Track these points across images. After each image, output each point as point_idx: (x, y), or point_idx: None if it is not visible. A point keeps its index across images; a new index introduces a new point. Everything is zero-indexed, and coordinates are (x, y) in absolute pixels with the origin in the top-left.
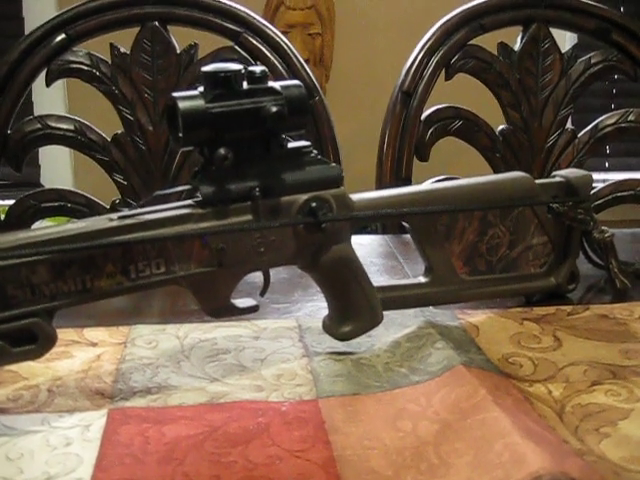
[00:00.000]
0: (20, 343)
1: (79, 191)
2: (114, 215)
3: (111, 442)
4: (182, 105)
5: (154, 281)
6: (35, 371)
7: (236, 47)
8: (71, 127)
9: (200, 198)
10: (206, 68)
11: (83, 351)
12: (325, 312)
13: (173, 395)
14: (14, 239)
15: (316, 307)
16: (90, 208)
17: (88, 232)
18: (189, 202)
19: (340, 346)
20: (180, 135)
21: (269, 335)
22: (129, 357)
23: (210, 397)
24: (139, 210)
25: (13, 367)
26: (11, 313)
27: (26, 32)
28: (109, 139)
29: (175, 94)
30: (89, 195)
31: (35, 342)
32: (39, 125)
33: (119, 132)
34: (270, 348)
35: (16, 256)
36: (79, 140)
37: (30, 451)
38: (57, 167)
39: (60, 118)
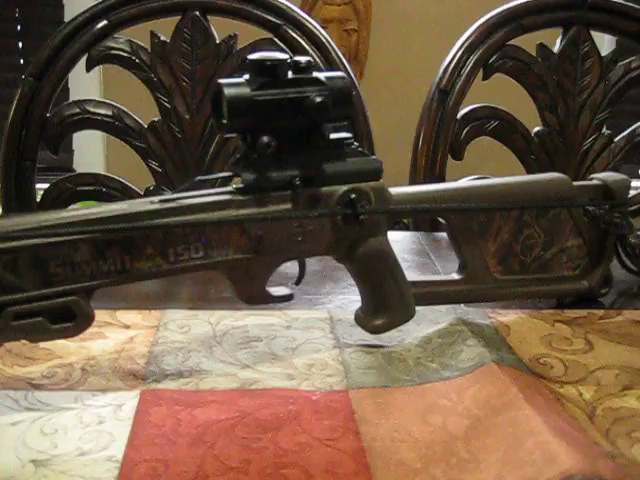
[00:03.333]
0: (58, 320)
1: (114, 176)
2: (156, 198)
3: (143, 422)
4: (228, 92)
5: (192, 265)
6: (69, 350)
7: (275, 39)
8: (109, 112)
9: (240, 185)
10: (252, 56)
11: (116, 332)
12: (356, 305)
13: (205, 379)
14: (58, 217)
15: (347, 300)
16: (124, 193)
17: (130, 213)
18: (230, 188)
19: (371, 339)
20: (224, 121)
21: (301, 325)
22: (161, 340)
23: (241, 383)
24: (180, 194)
25: (48, 345)
26: (52, 290)
27: (66, 18)
28: (145, 126)
29: (221, 80)
30: (124, 180)
31: (73, 320)
32: (78, 110)
33: (156, 119)
34: (301, 338)
35: (60, 234)
36: (116, 126)
37: (64, 427)
38: (90, 152)
39: (99, 103)
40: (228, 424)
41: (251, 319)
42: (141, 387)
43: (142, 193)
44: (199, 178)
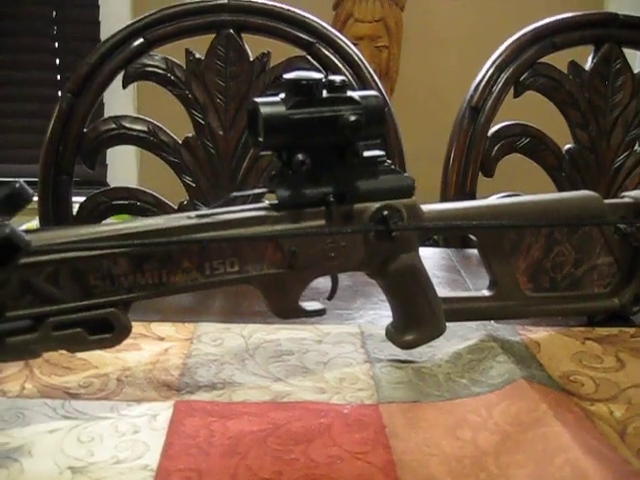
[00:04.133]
0: (96, 332)
1: (148, 190)
2: (192, 213)
3: (177, 432)
4: (264, 110)
5: (227, 279)
6: (105, 360)
7: (308, 57)
8: (144, 128)
9: (275, 201)
10: (288, 75)
11: (151, 344)
12: (386, 321)
13: (237, 391)
14: (97, 231)
15: (378, 315)
16: (158, 207)
17: (167, 228)
18: (265, 204)
19: (402, 354)
20: (260, 139)
21: (332, 340)
22: (195, 353)
23: (274, 396)
24: (216, 210)
25: (84, 355)
26: (91, 302)
27: (102, 36)
28: (180, 141)
29: (257, 99)
30: (158, 194)
31: (111, 332)
32: (114, 125)
33: (190, 135)
34: (333, 352)
35: (100, 247)
36: (151, 141)
37: (100, 435)
38: (123, 167)
39: (134, 119)
40: (260, 436)
41: (283, 333)
42: (175, 398)
43: (176, 207)
44: (234, 194)
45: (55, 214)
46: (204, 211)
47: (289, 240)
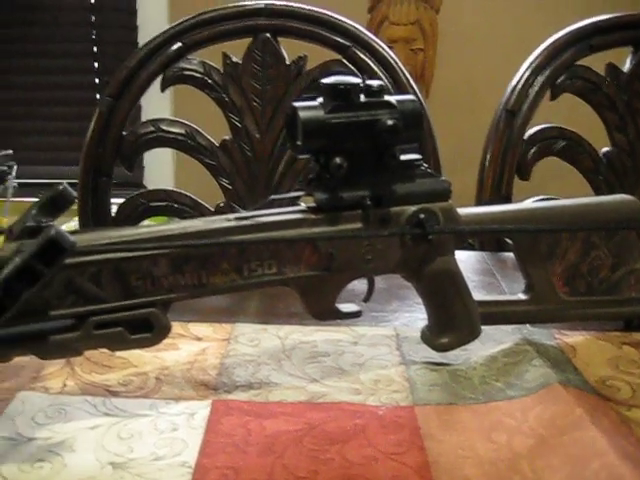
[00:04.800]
0: (137, 331)
1: (185, 192)
2: (231, 216)
3: (214, 431)
4: (303, 115)
5: (264, 281)
6: (144, 359)
7: (344, 60)
8: (182, 131)
9: (313, 204)
10: (326, 80)
11: (189, 344)
12: (422, 323)
13: (274, 391)
14: (139, 232)
15: (413, 318)
16: (195, 209)
17: (207, 230)
18: (302, 207)
19: (437, 357)
20: (299, 143)
21: (367, 341)
22: (232, 353)
23: (310, 396)
24: (255, 212)
25: (124, 354)
26: (132, 302)
27: (140, 40)
28: (217, 144)
29: (296, 104)
30: (194, 196)
31: (151, 331)
32: (152, 128)
33: (227, 138)
34: (368, 354)
35: (141, 249)
36: (189, 144)
37: (139, 432)
38: (160, 169)
39: (172, 122)
40: (296, 435)
41: (319, 334)
42: (213, 397)
43: (212, 209)
44: (273, 197)
45: (94, 215)
46: (243, 213)
47: (326, 243)
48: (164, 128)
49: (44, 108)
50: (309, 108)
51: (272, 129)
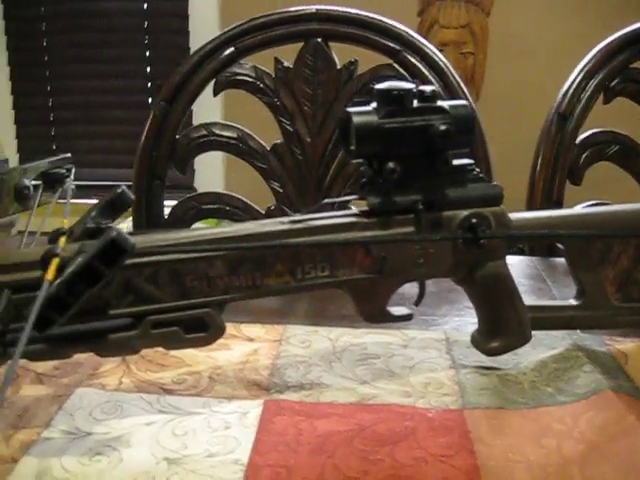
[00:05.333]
0: (192, 331)
1: (237, 195)
2: (285, 219)
3: (267, 430)
4: (356, 120)
5: (317, 283)
6: (197, 359)
7: (395, 65)
8: (234, 135)
9: (365, 208)
10: (380, 86)
11: (241, 345)
12: (472, 327)
13: (325, 392)
14: (195, 235)
15: (463, 322)
16: (246, 212)
17: (262, 233)
18: (355, 211)
19: (487, 361)
20: (352, 148)
21: (417, 345)
22: (284, 354)
23: (360, 398)
24: (308, 215)
25: (178, 353)
26: (188, 302)
27: (191, 44)
28: (268, 148)
29: (350, 109)
30: (246, 199)
31: (206, 331)
32: (205, 132)
33: (278, 142)
34: (418, 357)
35: (198, 250)
36: (241, 148)
37: (193, 430)
38: (210, 172)
39: (224, 126)
40: (347, 436)
41: (369, 337)
42: (265, 397)
43: (263, 212)
44: (326, 201)
45: (148, 217)
46: (296, 217)
47: (379, 246)
48: (217, 132)
49: (99, 112)
50: (363, 113)
51: (323, 133)
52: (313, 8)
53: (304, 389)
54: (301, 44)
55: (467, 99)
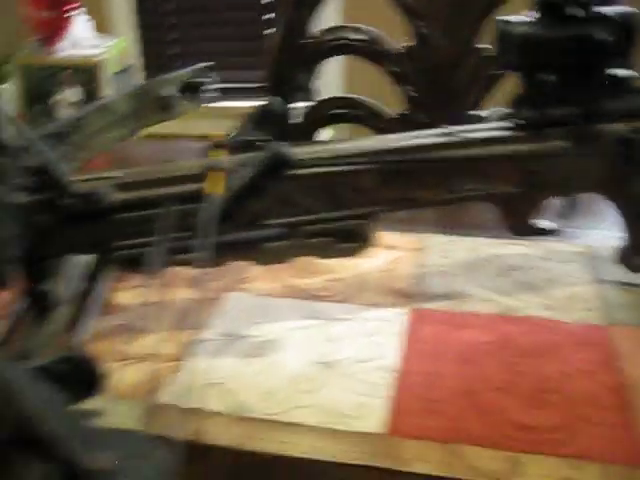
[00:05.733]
0: (344, 241)
1: (370, 100)
2: (437, 131)
3: (413, 338)
4: (517, 29)
5: (467, 195)
6: (343, 266)
7: None
8: (365, 37)
9: (519, 121)
10: None
11: (383, 253)
12: (618, 242)
13: (467, 303)
14: (350, 147)
15: (607, 236)
16: (378, 118)
17: (415, 146)
18: (509, 124)
19: (633, 277)
20: (509, 58)
21: (559, 258)
22: (425, 263)
23: (502, 309)
24: (459, 128)
25: (323, 261)
26: (342, 213)
27: None
28: (402, 51)
29: (509, 18)
30: (379, 105)
31: (357, 241)
32: (334, 35)
33: (412, 44)
34: (559, 270)
35: (353, 163)
36: (373, 50)
37: (343, 336)
38: (329, 78)
39: (354, 29)
40: (492, 347)
41: (510, 248)
42: (409, 305)
43: (396, 117)
44: (474, 113)
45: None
46: (448, 129)
47: (530, 160)
48: (346, 35)
49: (218, 14)
50: (523, 23)
51: (457, 36)
52: None
53: (447, 299)
54: None
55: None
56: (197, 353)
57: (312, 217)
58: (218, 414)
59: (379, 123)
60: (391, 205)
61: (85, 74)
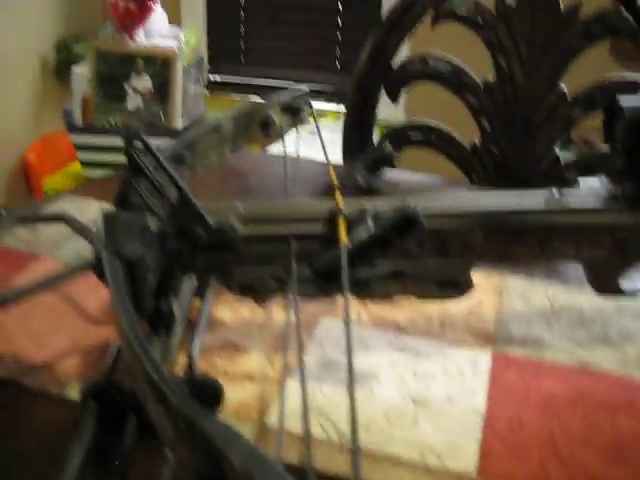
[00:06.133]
0: (444, 285)
1: (446, 128)
2: (540, 193)
3: (497, 381)
4: (627, 108)
5: (561, 256)
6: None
7: (622, 9)
8: (448, 68)
9: (617, 193)
10: None
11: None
12: None
13: (547, 351)
14: (461, 203)
15: None
16: (453, 146)
17: (521, 210)
18: (606, 195)
19: None
20: (617, 134)
21: (632, 313)
22: (506, 306)
23: (579, 361)
24: (560, 194)
25: None
26: (446, 262)
27: None
28: (480, 84)
29: (620, 96)
30: (455, 134)
31: (456, 287)
32: (419, 63)
33: (491, 79)
34: (634, 327)
35: (461, 217)
36: (453, 81)
37: (432, 373)
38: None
39: (439, 58)
40: (570, 398)
41: (584, 298)
42: (492, 348)
43: (469, 148)
44: (579, 177)
45: (359, 143)
46: (549, 193)
47: (625, 230)
48: (431, 63)
49: (288, 13)
50: (634, 101)
51: (537, 74)
52: None
53: (527, 345)
54: None
55: None
56: (296, 377)
57: (419, 262)
58: (322, 442)
59: (453, 151)
60: (491, 259)
61: (158, 64)
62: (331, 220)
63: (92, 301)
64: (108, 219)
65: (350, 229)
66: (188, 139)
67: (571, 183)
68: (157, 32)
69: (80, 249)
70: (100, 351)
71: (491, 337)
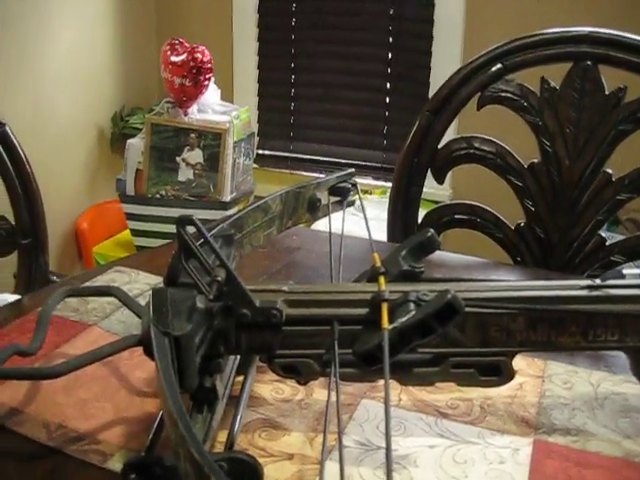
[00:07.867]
0: (485, 373)
1: (489, 208)
2: (582, 282)
3: (538, 471)
4: None
5: (606, 346)
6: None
7: None
8: (493, 150)
9: None
10: None
11: None
12: None
13: (591, 441)
14: (503, 291)
15: None
16: (497, 226)
17: (562, 297)
18: None
19: None
20: None
21: None
22: (548, 393)
23: (625, 453)
24: (605, 283)
25: None
26: (488, 350)
27: (434, 33)
28: (525, 166)
29: None
30: (498, 213)
31: (498, 375)
32: (465, 144)
33: (536, 161)
34: None
35: (504, 307)
36: (498, 163)
37: (471, 459)
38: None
39: (484, 141)
40: None
41: (628, 386)
42: (533, 436)
43: (513, 228)
44: (622, 270)
45: (404, 221)
46: (594, 283)
47: None
48: (476, 145)
49: (337, 91)
50: None
51: (583, 157)
52: (586, 30)
53: (570, 434)
54: (569, 65)
55: None
56: (335, 459)
57: (461, 350)
58: None
59: (497, 232)
60: (533, 347)
61: (209, 138)
62: (374, 304)
63: (137, 373)
64: (158, 295)
65: (392, 314)
66: (237, 220)
67: (616, 266)
68: (210, 107)
69: (127, 319)
70: (144, 423)
71: (532, 424)
